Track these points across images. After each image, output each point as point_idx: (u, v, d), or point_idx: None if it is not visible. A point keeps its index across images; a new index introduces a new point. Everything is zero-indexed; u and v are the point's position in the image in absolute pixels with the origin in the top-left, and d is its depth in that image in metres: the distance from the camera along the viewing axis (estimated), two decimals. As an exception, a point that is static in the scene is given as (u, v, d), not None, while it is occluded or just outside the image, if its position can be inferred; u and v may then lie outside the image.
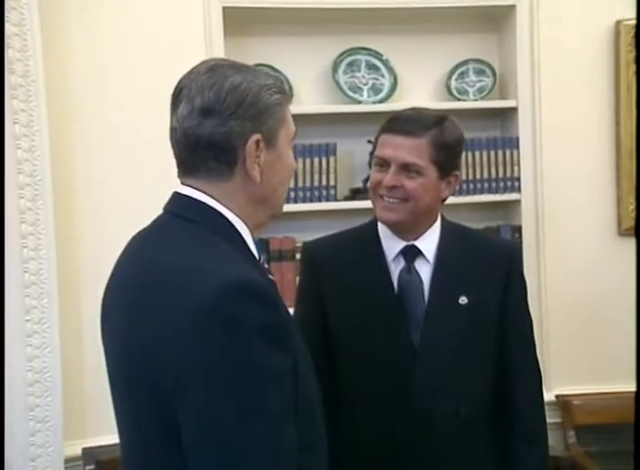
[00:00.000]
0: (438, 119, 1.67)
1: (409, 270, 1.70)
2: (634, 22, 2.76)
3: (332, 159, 2.73)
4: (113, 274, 1.23)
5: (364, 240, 1.76)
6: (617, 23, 2.81)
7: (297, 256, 2.71)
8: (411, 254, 1.71)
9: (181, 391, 1.03)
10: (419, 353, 1.67)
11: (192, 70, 1.19)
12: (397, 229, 1.71)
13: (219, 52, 2.54)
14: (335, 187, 2.75)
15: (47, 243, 2.31)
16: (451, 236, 1.75)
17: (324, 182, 2.73)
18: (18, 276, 2.26)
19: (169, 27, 2.53)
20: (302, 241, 2.67)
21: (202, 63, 1.19)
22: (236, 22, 2.65)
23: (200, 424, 1.02)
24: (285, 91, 1.22)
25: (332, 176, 2.73)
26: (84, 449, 2.43)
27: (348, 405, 1.73)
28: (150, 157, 2.44)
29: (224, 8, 2.58)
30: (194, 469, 1.04)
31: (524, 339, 1.78)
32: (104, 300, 1.24)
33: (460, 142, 1.72)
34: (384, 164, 1.66)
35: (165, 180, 2.33)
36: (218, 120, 1.13)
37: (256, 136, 1.15)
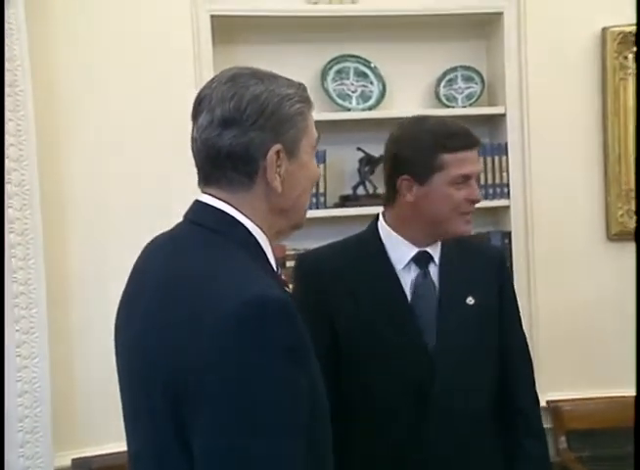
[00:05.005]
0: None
1: (425, 275, 1.72)
2: (620, 28, 2.79)
3: (321, 166, 2.73)
4: (129, 283, 1.20)
5: (367, 249, 1.75)
6: (604, 29, 2.82)
7: (288, 263, 2.71)
8: (424, 259, 1.73)
9: (199, 404, 1.01)
10: (436, 357, 1.68)
11: (213, 78, 1.18)
12: None
13: (208, 60, 2.54)
14: (324, 194, 2.76)
15: (35, 253, 2.30)
16: (449, 240, 1.77)
17: (313, 189, 2.73)
18: (6, 286, 2.24)
19: (157, 36, 2.53)
20: (293, 248, 2.71)
21: (223, 71, 1.18)
22: (224, 30, 2.66)
23: (216, 437, 1.00)
24: (307, 99, 1.20)
25: (321, 183, 2.74)
26: (74, 460, 2.42)
27: (361, 419, 1.71)
28: (138, 165, 2.42)
29: (212, 16, 2.58)
30: None
31: (518, 334, 1.84)
32: (119, 310, 1.21)
33: None
34: (465, 180, 1.68)
35: (154, 189, 2.35)
36: (238, 131, 1.12)
37: (277, 147, 1.13)
